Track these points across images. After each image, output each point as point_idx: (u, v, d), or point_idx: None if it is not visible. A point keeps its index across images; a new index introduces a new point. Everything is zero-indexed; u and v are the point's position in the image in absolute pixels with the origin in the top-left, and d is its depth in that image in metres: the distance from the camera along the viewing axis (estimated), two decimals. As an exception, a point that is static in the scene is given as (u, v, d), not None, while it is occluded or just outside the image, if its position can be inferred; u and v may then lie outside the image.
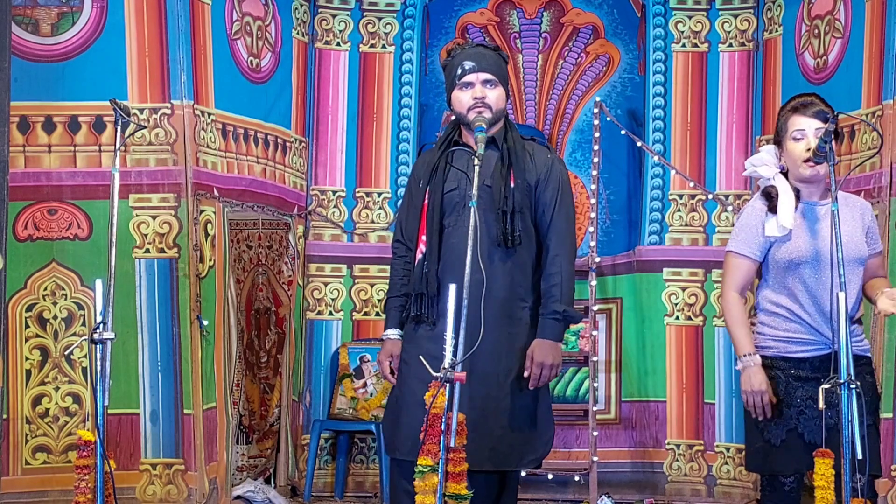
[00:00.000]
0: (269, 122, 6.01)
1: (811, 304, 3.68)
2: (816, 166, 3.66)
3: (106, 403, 3.60)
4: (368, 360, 6.22)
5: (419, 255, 4.02)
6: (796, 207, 3.72)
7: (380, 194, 6.48)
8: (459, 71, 3.94)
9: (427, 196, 4.03)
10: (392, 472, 4.13)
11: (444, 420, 3.33)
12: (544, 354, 3.86)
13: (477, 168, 3.66)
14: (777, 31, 6.13)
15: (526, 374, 3.90)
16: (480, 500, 3.84)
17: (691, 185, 6.30)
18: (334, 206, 6.47)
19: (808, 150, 3.64)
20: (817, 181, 3.72)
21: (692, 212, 6.38)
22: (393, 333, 4.09)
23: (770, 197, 3.75)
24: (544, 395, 4.08)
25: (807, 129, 3.66)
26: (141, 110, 5.23)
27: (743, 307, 3.81)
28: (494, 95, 3.96)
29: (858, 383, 3.29)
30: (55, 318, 5.19)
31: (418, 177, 4.12)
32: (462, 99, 3.96)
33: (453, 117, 4.16)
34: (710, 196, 6.29)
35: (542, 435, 4.04)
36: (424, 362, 3.52)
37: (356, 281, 6.43)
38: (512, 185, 3.95)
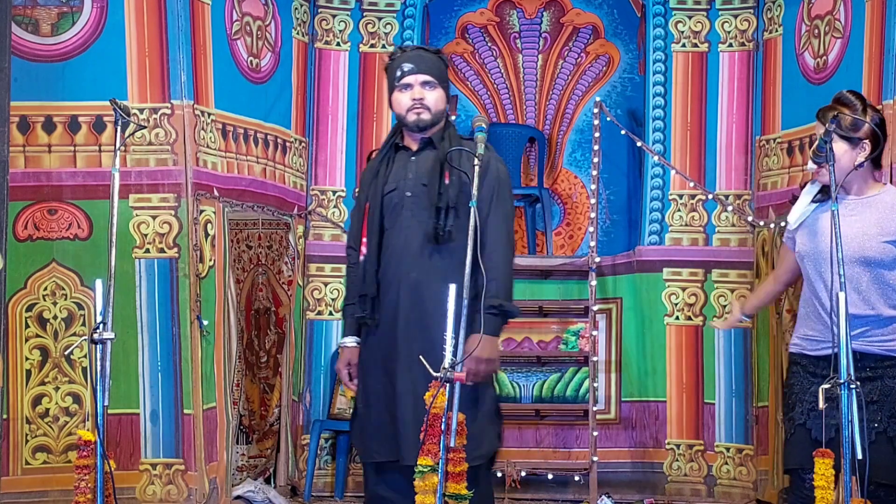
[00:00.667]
0: (269, 122, 6.01)
1: (825, 292, 3.69)
2: (820, 168, 3.67)
3: (106, 403, 3.59)
4: (368, 360, 6.22)
5: (362, 258, 4.07)
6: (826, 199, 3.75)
7: (380, 194, 6.47)
8: (399, 73, 4.01)
9: (368, 199, 4.09)
10: (367, 477, 4.14)
11: (444, 420, 3.33)
12: (481, 349, 3.82)
13: (477, 168, 3.70)
14: (777, 31, 6.12)
15: (462, 368, 3.85)
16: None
17: (691, 185, 6.30)
18: (334, 206, 6.47)
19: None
20: (824, 181, 3.74)
21: (692, 212, 6.38)
22: (350, 341, 4.11)
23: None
24: (485, 391, 4.06)
25: (818, 133, 3.71)
26: (141, 110, 5.23)
27: (765, 283, 4.02)
28: (433, 97, 4.02)
29: (858, 384, 3.27)
30: (55, 318, 5.19)
31: (365, 183, 4.16)
32: (401, 100, 4.02)
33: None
34: (710, 196, 6.29)
35: (483, 432, 4.00)
36: (424, 361, 3.53)
37: (356, 281, 6.42)
38: (446, 182, 3.99)
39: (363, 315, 4.03)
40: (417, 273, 3.95)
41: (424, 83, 4.00)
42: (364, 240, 4.06)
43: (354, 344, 4.10)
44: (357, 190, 4.28)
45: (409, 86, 4.00)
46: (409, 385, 3.90)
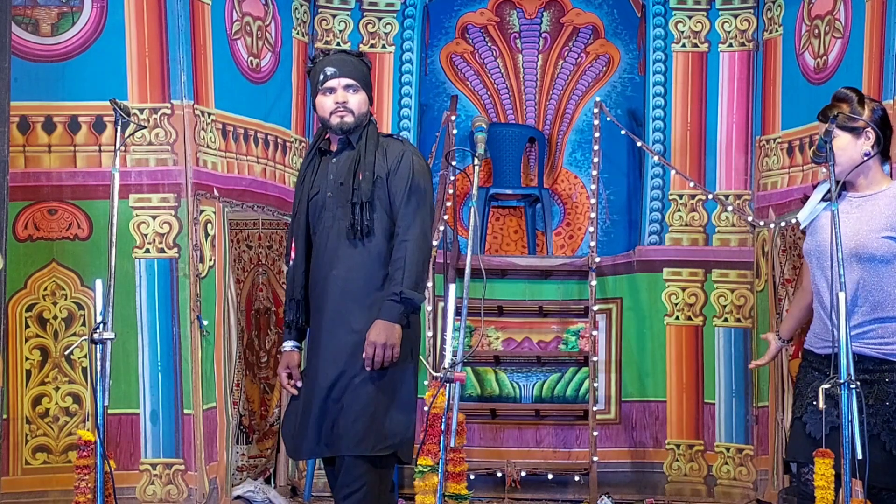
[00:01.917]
0: (269, 122, 6.01)
1: (827, 291, 3.67)
2: (820, 167, 3.67)
3: (106, 403, 3.59)
4: (368, 360, 6.21)
5: (291, 263, 4.15)
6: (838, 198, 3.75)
7: (380, 194, 6.46)
8: (322, 77, 4.05)
9: (296, 204, 4.18)
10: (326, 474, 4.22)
11: (443, 420, 3.33)
12: (377, 334, 3.86)
13: (477, 168, 3.73)
14: (777, 31, 6.12)
15: (364, 355, 3.92)
16: (343, 487, 3.90)
17: (691, 185, 6.30)
18: (334, 206, 6.46)
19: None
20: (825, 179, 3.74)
21: (692, 212, 6.38)
22: (288, 346, 4.16)
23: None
24: (398, 379, 4.02)
25: (819, 132, 3.70)
26: (141, 110, 5.23)
27: (797, 300, 4.01)
28: (356, 100, 4.06)
29: (858, 383, 3.27)
30: (55, 318, 5.19)
31: (296, 191, 4.25)
32: (325, 104, 4.06)
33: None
34: (710, 196, 6.28)
35: (391, 421, 3.96)
36: (424, 361, 3.54)
37: (356, 281, 6.42)
38: (360, 178, 4.04)
39: (293, 319, 4.11)
40: (338, 269, 4.00)
41: (347, 86, 4.05)
42: (293, 245, 4.13)
43: (290, 348, 4.15)
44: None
45: (332, 89, 4.05)
46: (332, 378, 3.93)
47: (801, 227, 3.88)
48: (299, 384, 4.09)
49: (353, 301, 3.96)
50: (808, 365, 3.79)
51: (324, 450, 3.96)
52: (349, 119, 4.04)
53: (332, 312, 3.98)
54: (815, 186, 3.90)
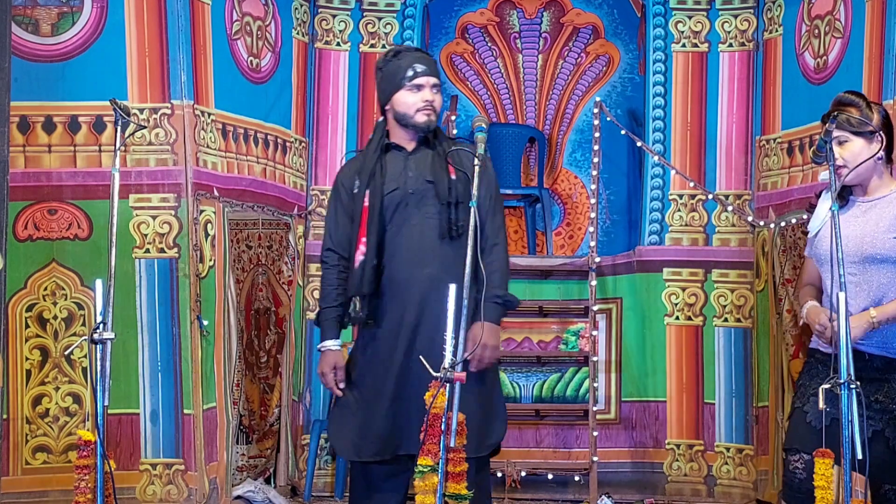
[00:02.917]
0: (269, 122, 6.02)
1: (830, 301, 3.68)
2: (823, 167, 3.67)
3: (106, 403, 3.59)
4: (368, 360, 6.22)
5: (360, 258, 4.05)
6: (845, 205, 3.76)
7: (380, 194, 6.46)
8: (411, 72, 4.05)
9: (366, 200, 4.08)
10: (355, 476, 4.15)
11: (444, 420, 3.33)
12: (486, 336, 3.90)
13: (477, 168, 3.71)
14: (777, 31, 6.12)
15: (467, 355, 3.89)
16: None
17: (691, 185, 6.30)
18: (334, 206, 6.46)
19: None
20: (841, 181, 3.74)
21: (692, 212, 6.38)
22: (333, 344, 4.10)
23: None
24: (493, 381, 4.12)
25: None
26: (141, 110, 5.23)
27: (807, 289, 3.91)
28: (439, 101, 4.10)
29: (858, 383, 3.27)
30: (55, 318, 5.19)
31: (347, 185, 4.17)
32: (409, 100, 4.06)
33: (380, 119, 4.24)
34: (710, 196, 6.29)
35: (496, 420, 4.07)
36: (424, 362, 3.54)
37: (356, 281, 6.42)
38: (453, 177, 4.05)
39: (360, 316, 4.04)
40: (432, 268, 3.98)
41: (434, 86, 4.07)
42: (363, 240, 4.05)
43: (338, 347, 4.10)
44: (336, 191, 4.22)
45: (420, 87, 4.04)
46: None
47: (811, 236, 3.87)
48: (342, 385, 4.07)
49: (443, 305, 3.93)
50: (816, 361, 3.80)
51: (406, 447, 3.95)
52: (434, 118, 4.06)
53: (424, 312, 3.96)
54: (818, 196, 3.90)
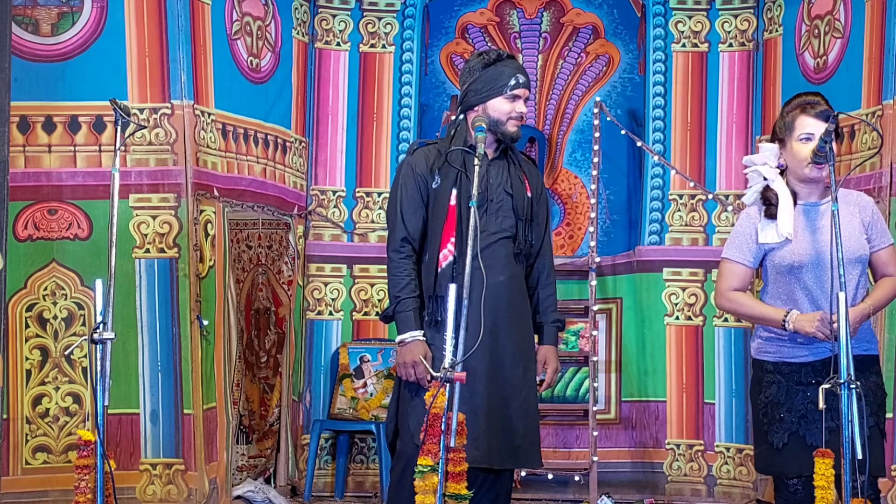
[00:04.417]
0: (269, 122, 6.02)
1: (811, 308, 3.65)
2: (820, 167, 3.63)
3: (106, 403, 3.59)
4: (368, 360, 6.22)
5: (449, 258, 4.02)
6: (794, 208, 3.71)
7: (380, 194, 6.47)
8: (513, 82, 4.07)
9: (453, 199, 4.06)
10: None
11: (444, 420, 3.33)
12: (557, 360, 4.23)
13: (477, 168, 3.69)
14: (777, 31, 6.13)
15: (544, 378, 4.20)
16: (502, 499, 4.06)
17: (691, 185, 6.30)
18: (334, 206, 6.47)
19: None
20: (820, 181, 3.70)
21: (692, 212, 6.38)
22: (420, 334, 4.04)
23: (769, 203, 3.73)
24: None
25: (815, 131, 3.61)
26: (141, 110, 5.23)
27: (748, 294, 3.78)
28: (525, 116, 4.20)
29: (859, 383, 3.26)
30: (55, 318, 5.19)
31: (423, 176, 4.11)
32: (504, 108, 4.07)
33: (454, 117, 4.21)
34: (710, 196, 6.29)
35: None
36: (424, 362, 3.57)
37: (356, 281, 6.43)
38: (529, 194, 4.16)
39: (432, 313, 4.04)
40: (505, 276, 4.06)
41: (527, 100, 4.15)
42: (452, 240, 4.02)
43: (423, 338, 4.04)
44: (410, 180, 4.13)
45: (517, 97, 4.08)
46: (519, 384, 4.06)
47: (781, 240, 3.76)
48: (428, 376, 4.02)
49: (516, 312, 4.08)
50: (785, 379, 3.69)
51: (508, 461, 4.05)
52: (520, 131, 4.13)
53: (501, 321, 4.02)
54: (759, 196, 3.79)
